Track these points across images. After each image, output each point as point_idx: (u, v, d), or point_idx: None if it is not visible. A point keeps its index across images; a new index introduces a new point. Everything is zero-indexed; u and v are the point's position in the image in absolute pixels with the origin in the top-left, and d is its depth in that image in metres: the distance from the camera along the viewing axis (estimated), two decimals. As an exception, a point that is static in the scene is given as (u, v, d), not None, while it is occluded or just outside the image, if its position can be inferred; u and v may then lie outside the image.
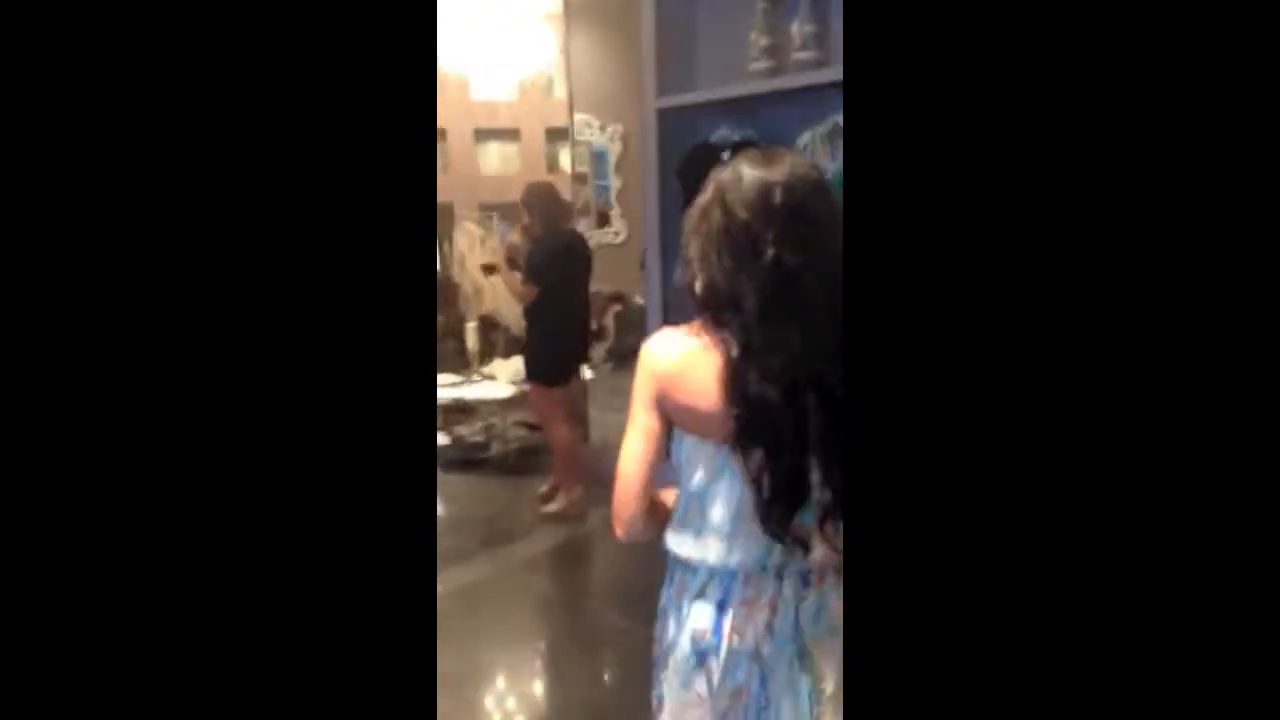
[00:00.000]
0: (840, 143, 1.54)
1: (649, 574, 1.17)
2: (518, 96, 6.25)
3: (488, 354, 4.12)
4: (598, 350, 5.13)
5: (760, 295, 0.88)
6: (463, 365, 4.08)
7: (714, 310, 0.91)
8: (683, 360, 0.93)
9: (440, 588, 2.70)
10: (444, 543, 3.12)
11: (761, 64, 1.60)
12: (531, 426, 3.92)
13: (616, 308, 5.48)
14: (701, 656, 1.00)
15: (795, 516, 0.90)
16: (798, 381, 0.88)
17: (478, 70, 5.56)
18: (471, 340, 4.02)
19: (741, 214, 0.89)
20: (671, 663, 1.04)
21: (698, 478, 0.97)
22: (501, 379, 3.83)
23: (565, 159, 5.71)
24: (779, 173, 0.90)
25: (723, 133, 1.74)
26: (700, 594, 1.00)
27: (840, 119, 1.53)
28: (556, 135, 5.73)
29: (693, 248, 0.93)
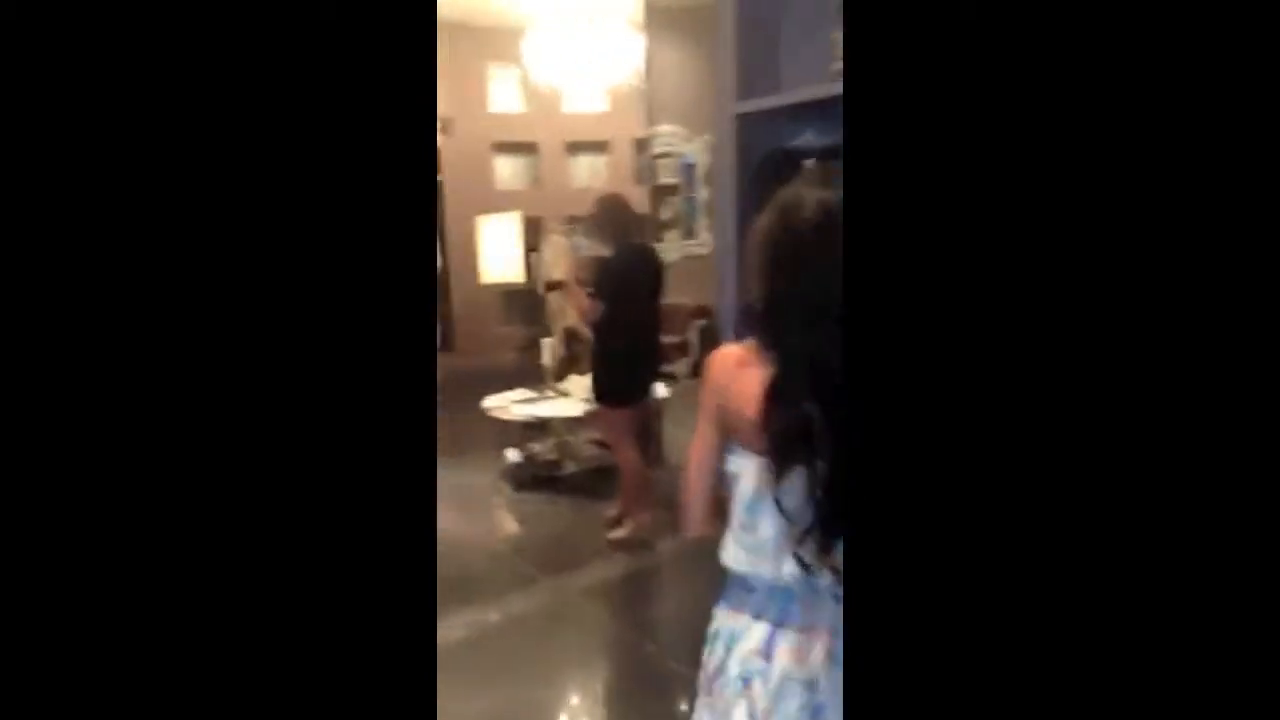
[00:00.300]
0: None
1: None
2: (608, 108, 6.23)
3: (565, 369, 4.04)
4: (681, 365, 4.96)
5: (810, 316, 0.88)
6: (538, 380, 4.01)
7: (765, 327, 0.93)
8: (736, 374, 0.95)
9: (495, 615, 2.60)
10: (505, 566, 3.03)
11: (842, 64, 1.46)
12: (605, 445, 3.80)
13: (701, 322, 5.30)
14: (746, 681, 0.98)
15: (833, 545, 0.89)
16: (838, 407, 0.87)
17: (569, 82, 5.54)
18: (548, 355, 3.94)
19: (799, 234, 0.90)
20: (715, 688, 1.01)
21: (748, 490, 0.97)
22: (576, 395, 3.73)
23: (656, 170, 5.62)
24: (840, 194, 0.88)
25: (806, 138, 1.64)
26: (756, 614, 0.99)
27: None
28: (644, 146, 5.63)
29: (752, 264, 0.95)
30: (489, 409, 3.88)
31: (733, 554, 1.01)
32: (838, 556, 0.89)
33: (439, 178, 6.29)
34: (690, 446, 1.04)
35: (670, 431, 4.00)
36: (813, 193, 0.91)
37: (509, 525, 3.43)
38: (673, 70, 5.37)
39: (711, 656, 1.03)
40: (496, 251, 5.83)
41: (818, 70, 1.58)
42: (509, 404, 3.83)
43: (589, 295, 2.84)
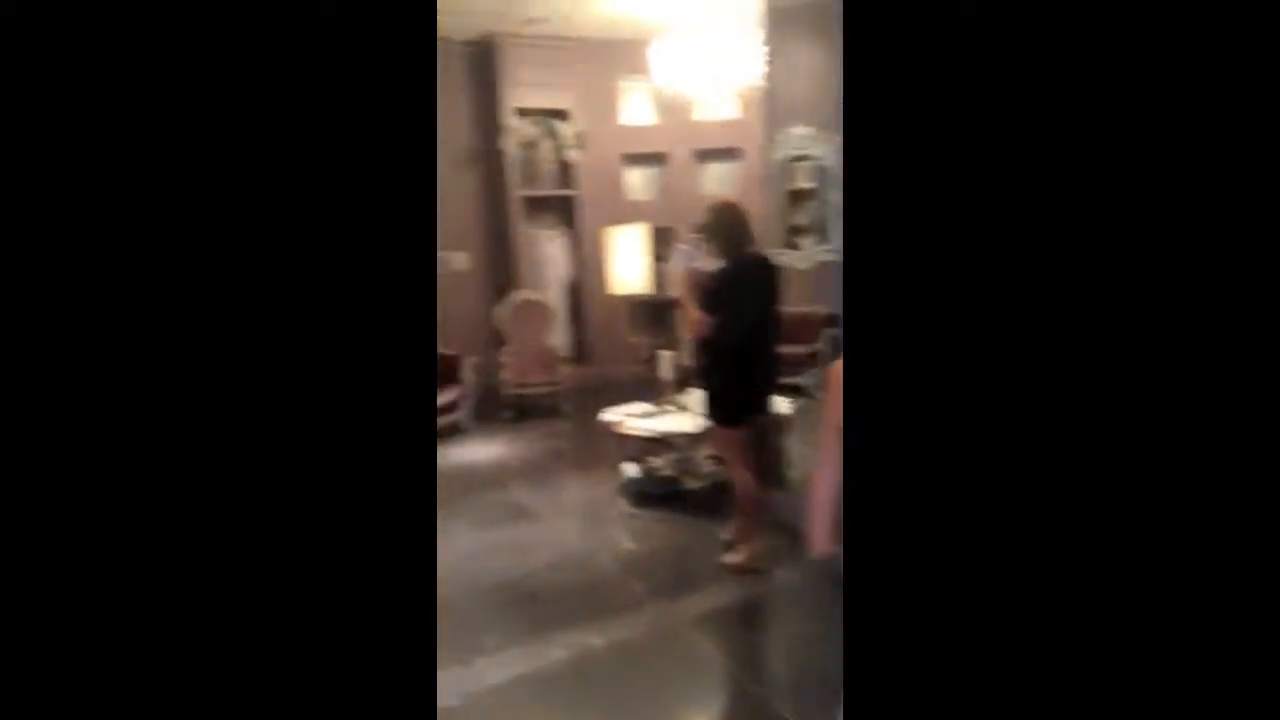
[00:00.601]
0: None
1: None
2: (739, 114, 6.08)
3: (686, 383, 3.93)
4: (811, 376, 4.70)
5: None
6: (657, 393, 3.93)
7: None
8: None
9: (599, 639, 2.53)
10: (614, 585, 2.96)
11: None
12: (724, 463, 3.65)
13: (833, 330, 5.01)
14: None
15: None
16: None
17: (696, 89, 5.44)
18: (666, 368, 3.85)
19: None
20: None
21: None
22: (694, 410, 3.61)
23: (791, 173, 5.41)
24: None
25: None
26: None
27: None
28: (772, 149, 5.42)
29: None
30: (606, 422, 3.84)
31: None
32: None
33: (574, 192, 6.40)
34: (815, 461, 1.02)
35: (795, 448, 3.78)
36: None
37: (622, 542, 3.36)
38: (804, 71, 5.14)
39: None
40: (625, 262, 5.83)
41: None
42: (626, 418, 3.78)
43: (699, 308, 2.71)
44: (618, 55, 6.06)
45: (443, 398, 4.99)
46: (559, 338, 6.06)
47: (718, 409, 2.79)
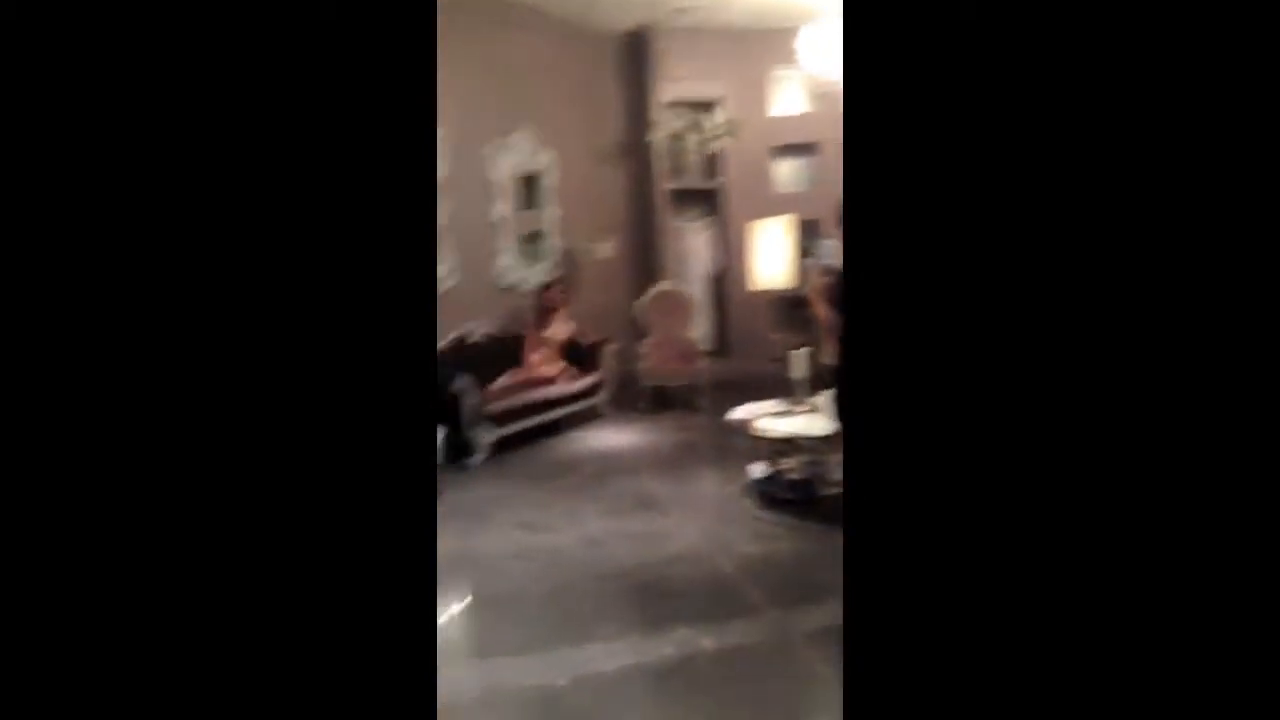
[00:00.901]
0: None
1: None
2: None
3: (820, 383, 3.79)
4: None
5: None
6: (788, 393, 3.82)
7: None
8: None
9: (710, 641, 2.50)
10: (732, 589, 2.92)
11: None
12: (858, 470, 3.48)
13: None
14: None
15: None
16: None
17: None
18: (798, 367, 3.73)
19: None
20: None
21: None
22: (826, 413, 3.47)
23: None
24: None
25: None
26: None
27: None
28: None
29: None
30: (736, 421, 3.78)
31: None
32: None
33: (720, 182, 6.34)
34: None
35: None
36: None
37: (744, 545, 3.30)
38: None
39: None
40: (769, 256, 5.70)
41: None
42: (756, 416, 3.70)
43: (831, 307, 2.60)
44: (767, 44, 5.92)
45: (582, 383, 5.14)
46: (700, 330, 6.04)
47: (845, 410, 2.67)
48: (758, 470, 3.83)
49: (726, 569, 3.11)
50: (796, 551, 3.21)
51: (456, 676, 2.43)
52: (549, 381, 4.99)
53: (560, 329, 5.27)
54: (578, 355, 5.26)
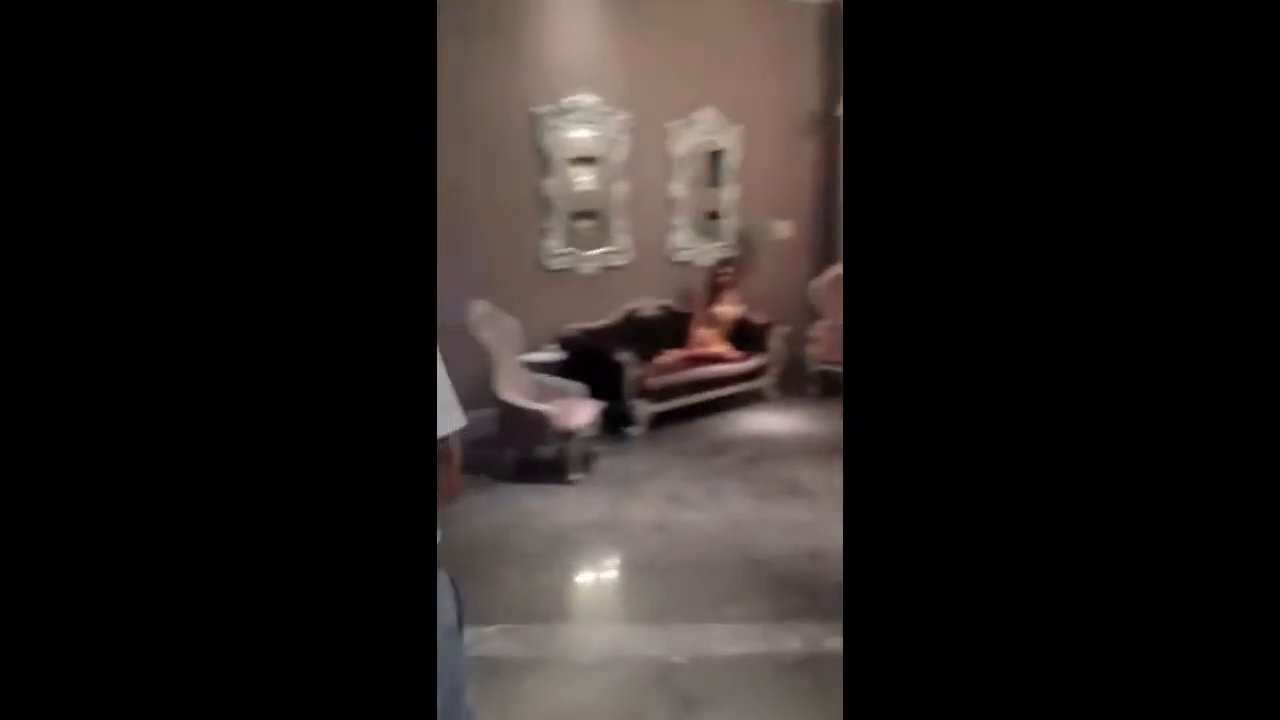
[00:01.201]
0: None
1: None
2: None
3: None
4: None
5: None
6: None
7: None
8: None
9: (836, 642, 2.40)
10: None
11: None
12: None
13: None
14: None
15: None
16: None
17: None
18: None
19: None
20: None
21: None
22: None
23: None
24: None
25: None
26: None
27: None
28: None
29: None
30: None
31: None
32: None
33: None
34: None
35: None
36: None
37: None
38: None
39: None
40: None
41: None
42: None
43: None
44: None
45: (748, 364, 5.08)
46: (878, 317, 5.72)
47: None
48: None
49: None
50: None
51: (579, 635, 2.54)
52: (715, 360, 4.98)
53: (730, 308, 5.24)
54: (747, 335, 5.20)
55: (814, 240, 6.17)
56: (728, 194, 5.67)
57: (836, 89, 5.90)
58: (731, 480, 3.84)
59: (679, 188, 5.43)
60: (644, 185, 5.17)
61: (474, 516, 3.43)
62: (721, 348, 5.09)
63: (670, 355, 5.00)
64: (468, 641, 2.45)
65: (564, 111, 4.67)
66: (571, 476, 3.81)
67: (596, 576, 3.03)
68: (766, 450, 4.30)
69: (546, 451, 3.84)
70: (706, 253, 5.57)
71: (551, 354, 4.61)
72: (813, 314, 5.58)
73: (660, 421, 4.63)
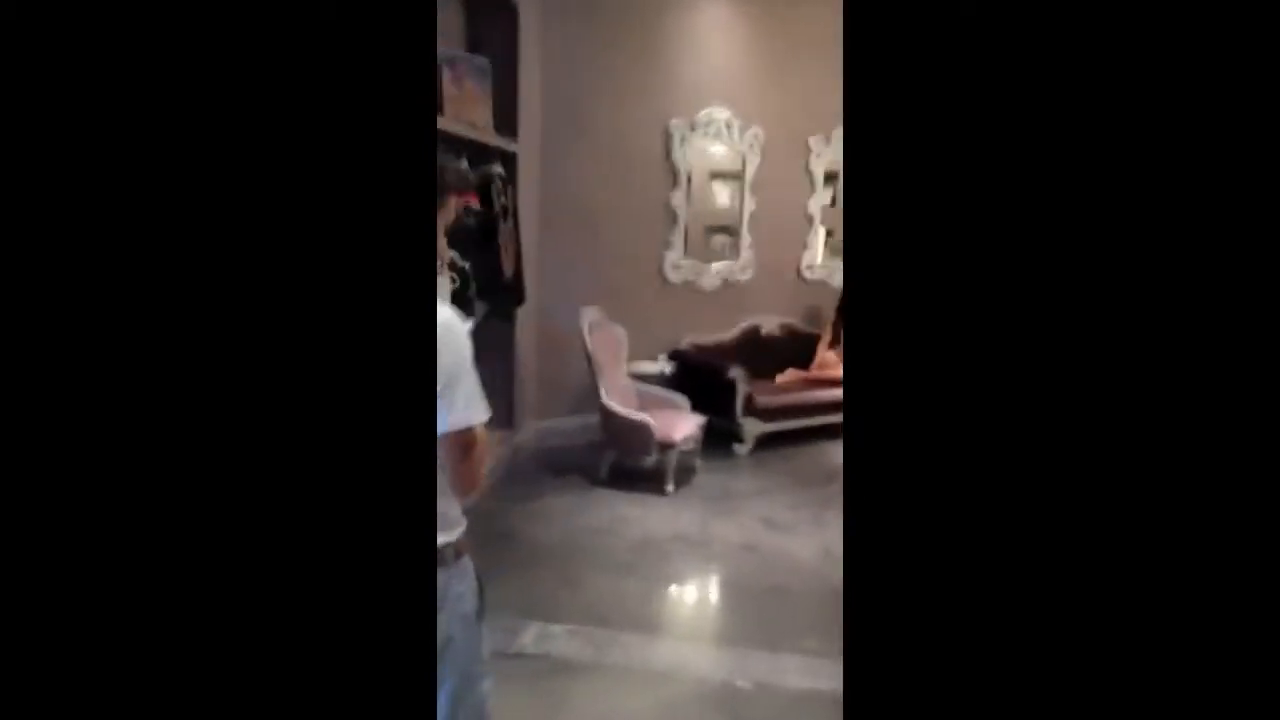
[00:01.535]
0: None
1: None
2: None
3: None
4: None
5: None
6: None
7: None
8: None
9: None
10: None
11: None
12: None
13: None
14: None
15: None
16: None
17: None
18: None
19: None
20: None
21: None
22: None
23: None
24: None
25: None
26: None
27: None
28: None
29: None
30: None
31: None
32: None
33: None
34: None
35: None
36: None
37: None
38: None
39: None
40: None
41: None
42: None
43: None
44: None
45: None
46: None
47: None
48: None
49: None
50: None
51: (646, 645, 2.50)
52: (836, 384, 4.78)
53: (856, 331, 5.01)
54: (872, 361, 4.96)
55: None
56: (863, 214, 5.45)
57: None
58: (832, 510, 3.65)
59: (816, 205, 5.29)
60: (776, 201, 5.08)
61: (566, 518, 3.49)
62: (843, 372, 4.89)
63: (789, 375, 4.86)
64: (532, 637, 2.49)
65: (697, 125, 4.69)
66: (668, 488, 3.78)
67: (675, 590, 2.98)
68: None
69: (646, 461, 3.83)
70: (841, 273, 5.38)
71: (661, 365, 4.62)
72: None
73: (769, 442, 4.50)
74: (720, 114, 4.76)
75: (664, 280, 4.81)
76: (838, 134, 5.19)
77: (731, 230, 5.01)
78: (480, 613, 1.27)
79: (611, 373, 4.02)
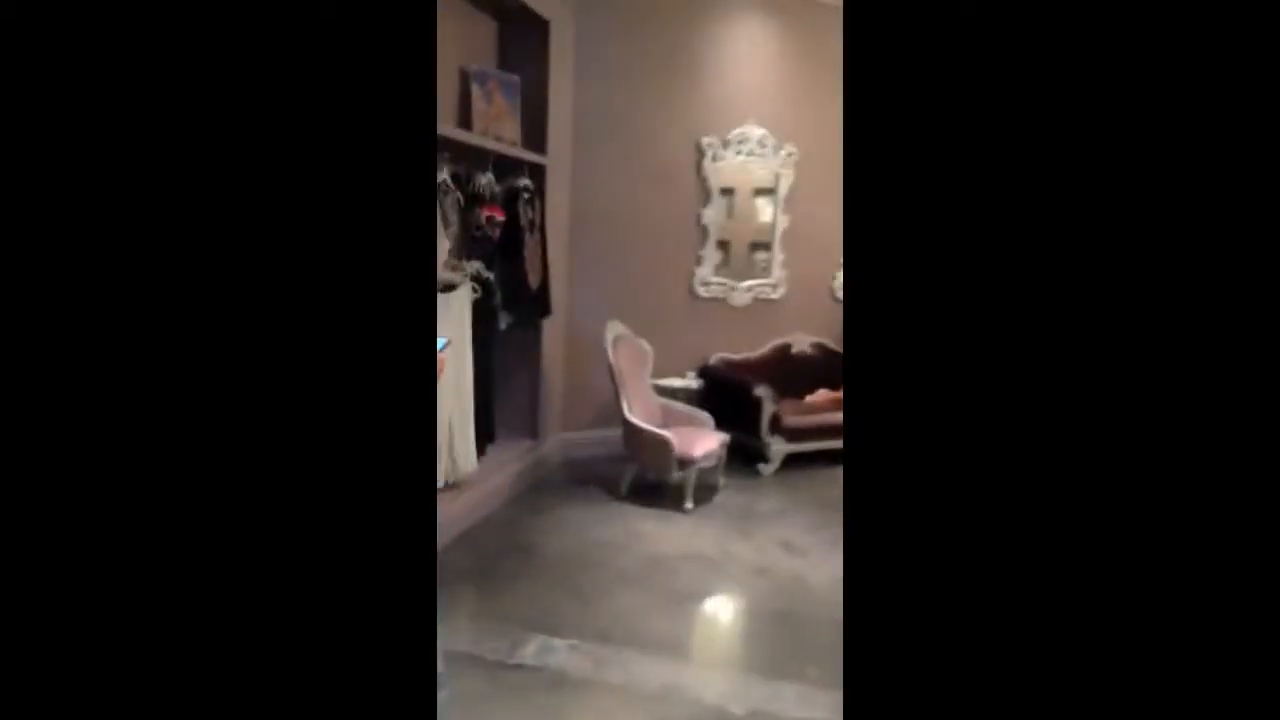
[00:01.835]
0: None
1: None
2: None
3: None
4: None
5: None
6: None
7: None
8: None
9: None
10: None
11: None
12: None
13: None
14: None
15: None
16: None
17: None
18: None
19: None
20: None
21: None
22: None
23: None
24: None
25: None
26: None
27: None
28: None
29: None
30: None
31: None
32: None
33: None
34: None
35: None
36: None
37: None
38: None
39: None
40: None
41: None
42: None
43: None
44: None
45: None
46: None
47: None
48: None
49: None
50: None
51: (646, 664, 2.47)
52: (867, 405, 4.68)
53: (891, 352, 4.91)
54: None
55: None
56: (902, 232, 5.34)
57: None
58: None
59: (848, 223, 5.21)
60: (810, 219, 5.02)
61: (581, 531, 3.49)
62: (875, 393, 4.78)
63: (820, 395, 4.78)
64: (534, 650, 2.48)
65: (730, 142, 4.68)
66: (687, 505, 3.75)
67: (682, 610, 2.94)
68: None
69: (667, 477, 3.81)
70: (872, 292, 5.27)
71: (688, 381, 4.59)
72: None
73: (795, 462, 4.42)
74: (754, 131, 4.73)
75: (694, 295, 4.80)
76: (877, 151, 5.10)
77: (765, 247, 4.97)
78: None
79: (635, 387, 4.01)
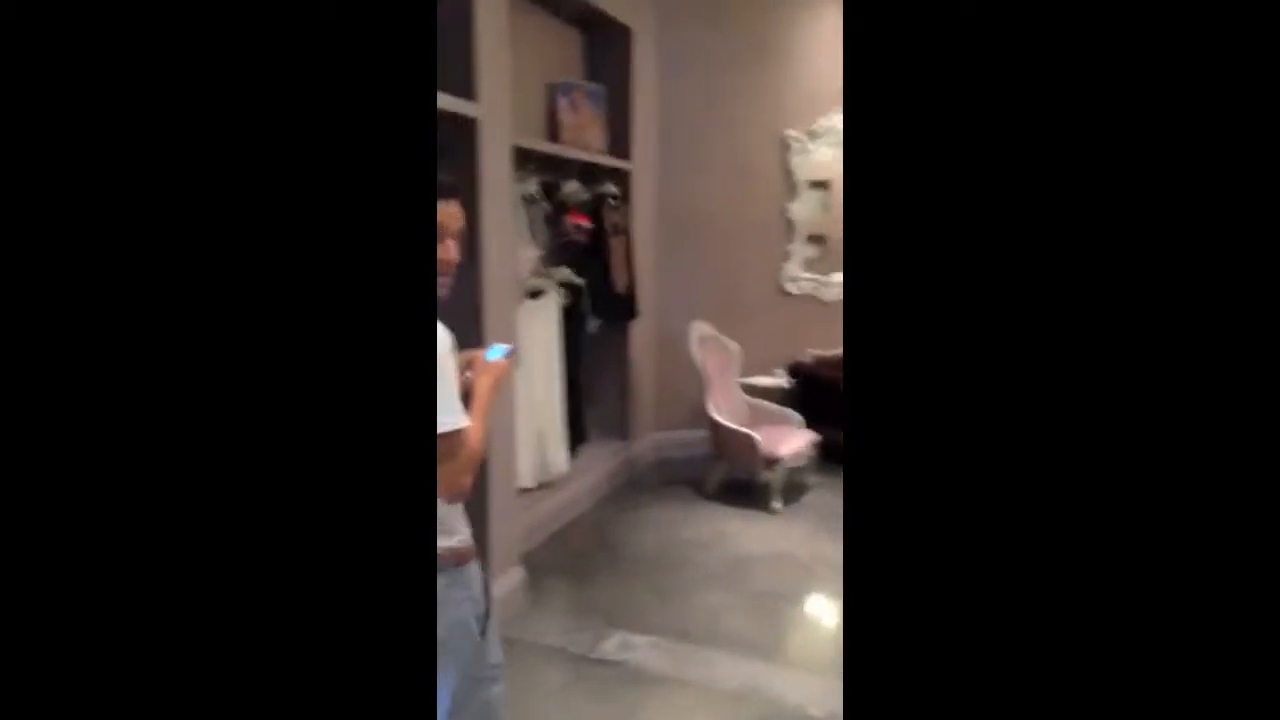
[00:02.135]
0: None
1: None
2: None
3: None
4: None
5: None
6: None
7: None
8: None
9: None
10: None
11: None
12: None
13: None
14: None
15: None
16: None
17: None
18: None
19: None
20: None
21: None
22: None
23: None
24: None
25: None
26: None
27: None
28: None
29: None
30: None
31: None
32: None
33: None
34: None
35: None
36: None
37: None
38: None
39: None
40: None
41: None
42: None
43: None
44: None
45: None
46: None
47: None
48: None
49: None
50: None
51: (727, 663, 2.50)
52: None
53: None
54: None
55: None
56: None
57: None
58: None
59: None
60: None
61: (668, 529, 3.54)
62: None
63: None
64: (615, 645, 2.56)
65: (815, 135, 4.60)
66: (774, 505, 3.73)
67: (765, 610, 2.94)
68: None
69: (754, 476, 3.81)
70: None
71: (777, 379, 4.55)
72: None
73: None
74: (840, 122, 4.62)
75: (783, 292, 4.74)
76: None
77: (857, 240, 4.84)
78: (483, 619, 1.31)
79: (721, 386, 4.03)
